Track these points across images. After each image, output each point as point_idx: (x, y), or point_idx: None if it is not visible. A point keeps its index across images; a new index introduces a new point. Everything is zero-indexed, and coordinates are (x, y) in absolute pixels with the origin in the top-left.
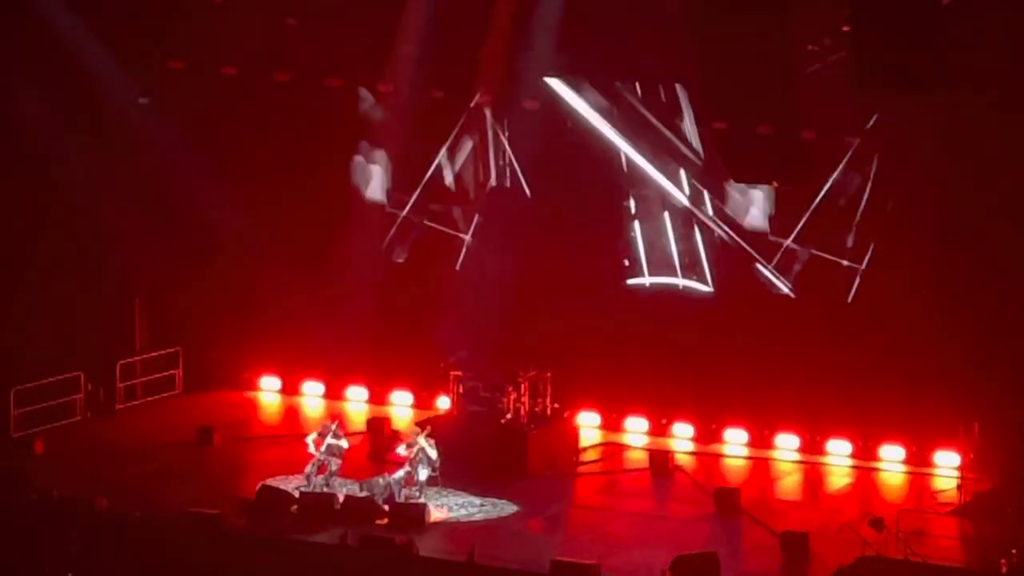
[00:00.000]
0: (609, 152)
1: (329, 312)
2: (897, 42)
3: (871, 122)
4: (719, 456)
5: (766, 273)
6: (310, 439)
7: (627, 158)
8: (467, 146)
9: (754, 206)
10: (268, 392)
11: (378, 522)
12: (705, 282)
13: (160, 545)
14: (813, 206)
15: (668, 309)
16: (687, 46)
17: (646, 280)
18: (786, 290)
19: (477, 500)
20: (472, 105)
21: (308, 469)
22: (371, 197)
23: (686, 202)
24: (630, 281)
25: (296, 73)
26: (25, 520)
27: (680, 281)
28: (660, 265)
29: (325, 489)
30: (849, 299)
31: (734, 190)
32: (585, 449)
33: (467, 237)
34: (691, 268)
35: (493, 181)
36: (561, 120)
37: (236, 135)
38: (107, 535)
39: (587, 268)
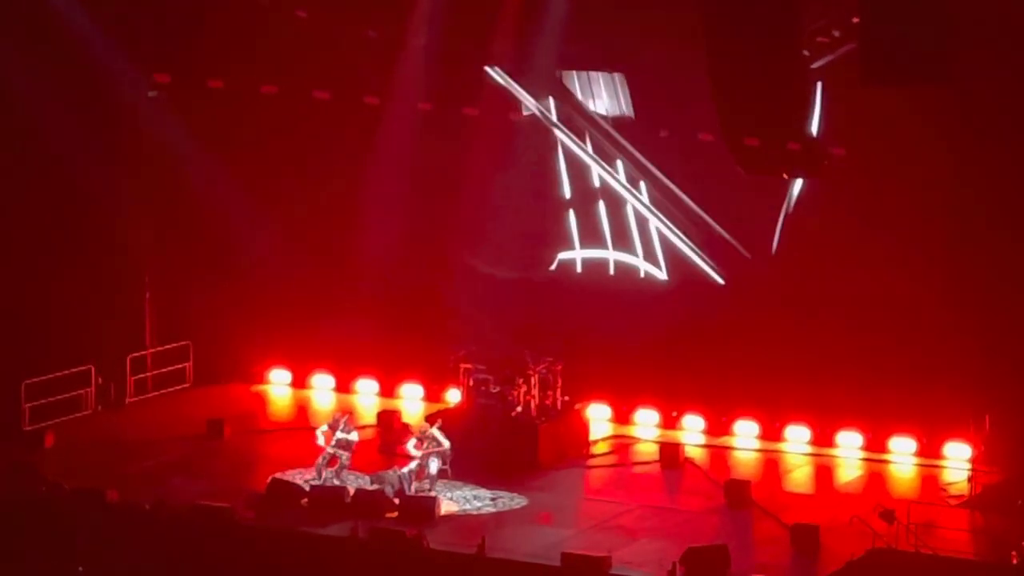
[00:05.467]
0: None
1: (339, 305)
2: (906, 35)
3: None
4: (729, 449)
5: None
6: (320, 432)
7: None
8: None
9: None
10: (278, 385)
11: (388, 515)
12: (660, 268)
13: (170, 538)
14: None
15: (677, 302)
16: (695, 40)
17: (576, 254)
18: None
19: (487, 493)
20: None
21: (318, 462)
22: None
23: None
24: (561, 255)
25: (304, 77)
26: (36, 513)
27: (642, 265)
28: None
29: (335, 482)
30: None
31: None
32: (595, 442)
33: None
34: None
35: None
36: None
37: (247, 131)
38: (117, 528)
39: (598, 261)
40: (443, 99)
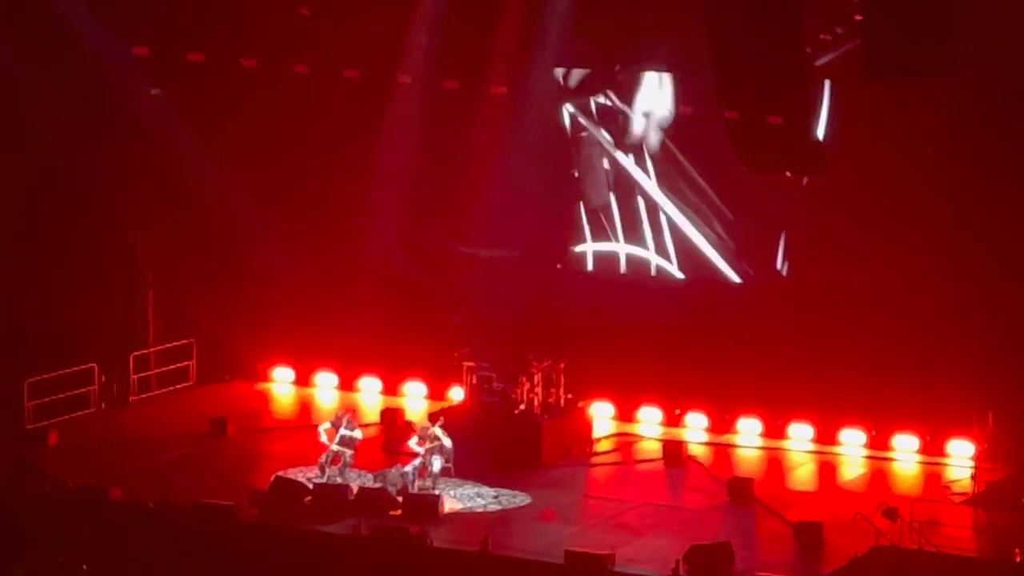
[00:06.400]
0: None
1: (342, 303)
2: (909, 31)
3: None
4: (733, 446)
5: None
6: (322, 429)
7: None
8: None
9: None
10: (282, 383)
11: (392, 513)
12: (672, 264)
13: (174, 536)
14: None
15: (682, 300)
16: (699, 35)
17: (588, 247)
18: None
19: (491, 491)
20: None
21: (322, 460)
22: None
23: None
24: (576, 248)
25: (311, 64)
26: (40, 511)
27: (654, 259)
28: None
29: (339, 480)
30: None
31: None
32: (599, 439)
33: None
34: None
35: None
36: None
37: (250, 130)
38: (121, 526)
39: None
40: (443, 89)
